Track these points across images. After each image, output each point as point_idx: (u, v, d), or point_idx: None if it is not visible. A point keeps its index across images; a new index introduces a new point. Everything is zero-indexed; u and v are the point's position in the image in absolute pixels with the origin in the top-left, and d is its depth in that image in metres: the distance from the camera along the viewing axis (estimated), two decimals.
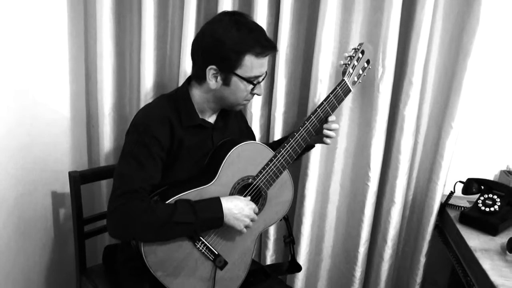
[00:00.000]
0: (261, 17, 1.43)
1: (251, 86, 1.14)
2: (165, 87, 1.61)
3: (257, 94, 1.20)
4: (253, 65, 1.11)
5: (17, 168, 1.43)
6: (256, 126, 1.54)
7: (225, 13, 1.18)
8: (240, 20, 1.12)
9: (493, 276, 1.09)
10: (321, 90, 1.44)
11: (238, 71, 1.11)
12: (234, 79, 1.12)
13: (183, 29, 1.48)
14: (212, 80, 1.13)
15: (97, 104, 1.62)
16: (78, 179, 1.37)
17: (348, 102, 1.52)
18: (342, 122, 1.55)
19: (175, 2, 1.56)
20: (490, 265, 1.14)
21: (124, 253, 1.25)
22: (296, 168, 1.59)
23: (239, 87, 1.14)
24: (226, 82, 1.13)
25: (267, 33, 1.45)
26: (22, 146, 1.43)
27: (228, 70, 1.11)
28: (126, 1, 1.60)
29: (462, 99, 1.38)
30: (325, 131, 1.27)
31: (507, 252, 1.19)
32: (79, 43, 1.66)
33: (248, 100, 1.21)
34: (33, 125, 1.48)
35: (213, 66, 1.11)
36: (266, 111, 1.58)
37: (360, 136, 1.54)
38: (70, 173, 1.38)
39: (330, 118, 1.27)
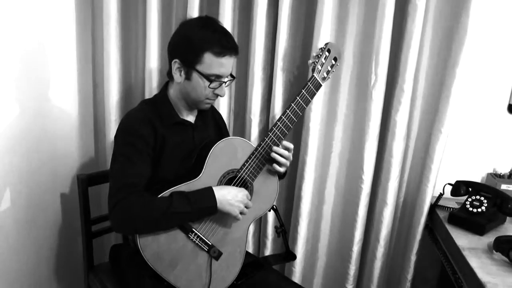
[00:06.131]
0: (260, 28, 1.45)
1: (210, 84, 1.17)
2: None
3: (220, 95, 1.22)
4: (212, 63, 1.14)
5: (28, 171, 1.45)
6: (255, 132, 1.56)
7: (198, 16, 1.22)
8: (208, 22, 1.17)
9: (480, 274, 1.12)
10: (316, 96, 1.43)
11: (198, 67, 1.15)
12: (195, 74, 1.16)
13: None
14: (177, 74, 1.18)
15: (104, 111, 1.64)
16: (85, 181, 1.40)
17: (342, 108, 1.55)
18: (337, 127, 1.57)
19: (178, 13, 1.58)
20: (478, 263, 1.16)
21: (127, 250, 1.27)
22: (293, 170, 1.60)
23: (199, 83, 1.17)
24: (188, 77, 1.17)
25: (266, 43, 1.47)
26: (33, 150, 1.46)
27: (189, 65, 1.15)
28: (132, 12, 1.62)
29: (451, 106, 1.40)
30: (274, 155, 1.22)
31: (494, 251, 1.21)
32: (86, 53, 1.68)
33: (211, 99, 1.22)
34: (43, 131, 1.50)
35: (177, 60, 1.16)
36: (265, 117, 1.60)
37: (354, 140, 1.56)
38: (78, 176, 1.41)
39: (285, 143, 1.25)
